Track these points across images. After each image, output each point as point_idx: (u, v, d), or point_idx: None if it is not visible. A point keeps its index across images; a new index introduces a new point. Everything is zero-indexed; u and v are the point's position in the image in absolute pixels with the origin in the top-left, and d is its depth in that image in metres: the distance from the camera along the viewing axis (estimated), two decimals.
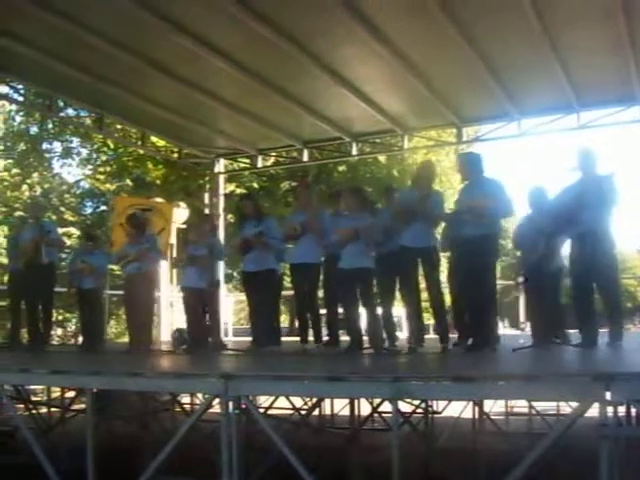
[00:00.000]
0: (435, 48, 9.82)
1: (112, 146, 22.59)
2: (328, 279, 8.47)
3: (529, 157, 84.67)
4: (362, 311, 7.81)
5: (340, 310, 8.38)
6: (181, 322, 12.58)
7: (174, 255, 13.56)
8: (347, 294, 7.64)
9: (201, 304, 8.85)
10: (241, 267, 9.68)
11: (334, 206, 8.66)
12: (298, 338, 8.70)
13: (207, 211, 16.01)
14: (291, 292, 9.51)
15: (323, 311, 8.98)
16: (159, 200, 15.97)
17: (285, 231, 8.49)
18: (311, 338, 8.51)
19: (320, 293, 8.92)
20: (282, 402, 8.93)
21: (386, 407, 7.96)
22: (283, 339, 9.41)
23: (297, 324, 9.20)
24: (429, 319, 7.91)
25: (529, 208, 8.22)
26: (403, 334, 10.89)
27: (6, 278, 11.49)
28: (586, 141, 14.37)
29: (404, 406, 7.99)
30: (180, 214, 15.24)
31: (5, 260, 15.52)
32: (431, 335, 10.03)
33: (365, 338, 7.80)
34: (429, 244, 7.63)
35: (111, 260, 10.22)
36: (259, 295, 8.47)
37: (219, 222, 15.02)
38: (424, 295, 7.89)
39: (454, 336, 7.78)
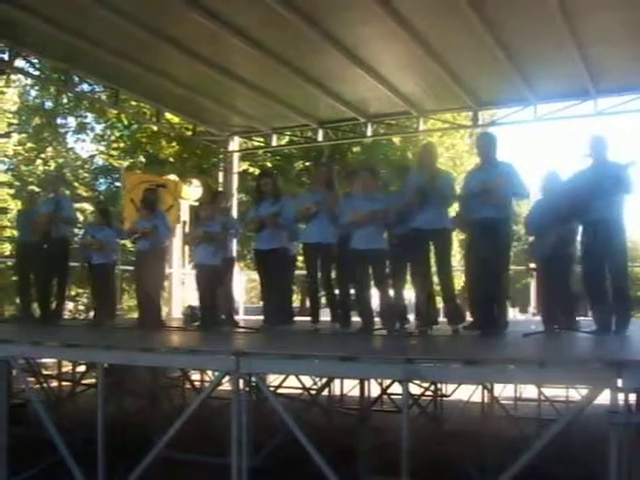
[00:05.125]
0: (453, 31, 9.75)
1: (126, 122, 22.62)
2: (341, 259, 8.42)
3: (544, 142, 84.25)
4: (374, 292, 7.79)
5: (352, 291, 8.33)
6: (192, 299, 12.64)
7: (186, 232, 13.56)
8: (359, 275, 7.62)
9: (214, 282, 8.83)
10: (253, 246, 9.62)
11: (347, 186, 8.61)
12: (309, 318, 8.69)
13: (220, 188, 16.01)
14: (303, 272, 9.47)
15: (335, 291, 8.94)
16: (168, 177, 15.93)
17: (298, 212, 8.42)
18: (326, 318, 8.48)
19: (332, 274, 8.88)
20: (291, 382, 8.96)
21: (395, 389, 7.99)
22: (294, 318, 9.40)
23: (309, 304, 9.15)
24: (440, 302, 7.82)
25: (541, 193, 8.19)
26: (413, 317, 10.91)
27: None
28: (599, 128, 14.30)
29: (413, 388, 8.02)
30: (193, 192, 15.24)
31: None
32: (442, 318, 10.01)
33: (377, 319, 7.79)
34: (442, 225, 7.59)
35: (122, 236, 10.24)
36: (272, 274, 8.45)
37: (232, 200, 15.02)
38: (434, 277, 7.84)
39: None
